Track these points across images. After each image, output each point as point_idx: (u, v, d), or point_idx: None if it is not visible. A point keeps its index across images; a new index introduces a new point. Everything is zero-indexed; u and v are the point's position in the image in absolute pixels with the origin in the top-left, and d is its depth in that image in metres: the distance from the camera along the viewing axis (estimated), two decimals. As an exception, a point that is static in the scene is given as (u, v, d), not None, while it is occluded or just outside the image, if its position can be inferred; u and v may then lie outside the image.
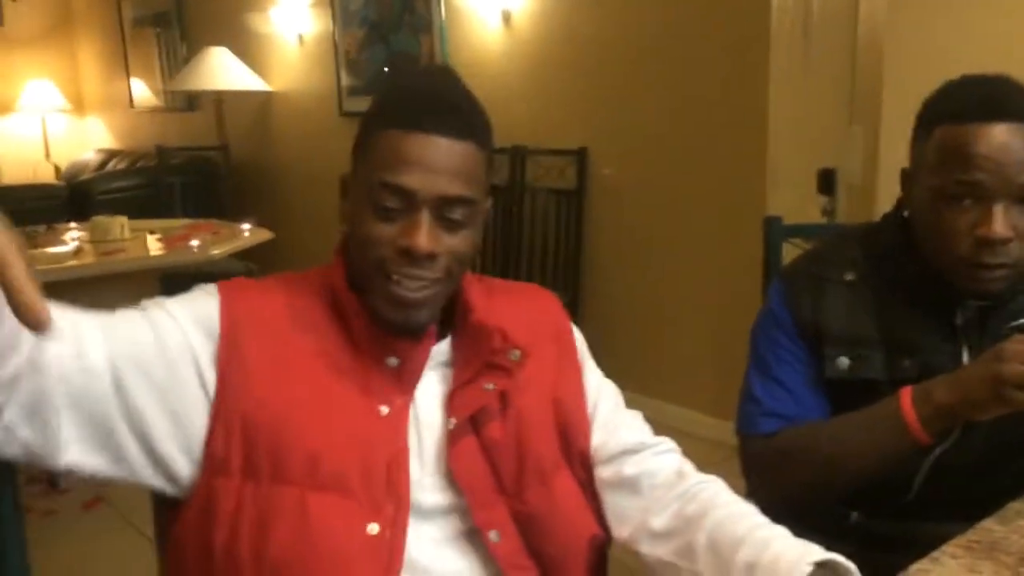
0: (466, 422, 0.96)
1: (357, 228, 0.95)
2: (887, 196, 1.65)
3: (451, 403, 0.97)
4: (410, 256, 0.91)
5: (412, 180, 0.90)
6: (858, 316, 1.22)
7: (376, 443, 0.93)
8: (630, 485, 1.02)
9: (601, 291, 3.56)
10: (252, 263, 4.02)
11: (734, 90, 2.94)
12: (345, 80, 4.60)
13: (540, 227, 3.68)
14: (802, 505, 1.25)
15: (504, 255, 3.81)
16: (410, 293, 0.92)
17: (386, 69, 4.34)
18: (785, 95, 2.59)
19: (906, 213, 1.22)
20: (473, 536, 0.97)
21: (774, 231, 1.51)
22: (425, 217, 0.91)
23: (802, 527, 1.24)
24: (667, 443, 1.08)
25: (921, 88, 1.61)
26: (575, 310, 3.56)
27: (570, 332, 1.11)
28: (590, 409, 1.07)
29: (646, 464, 1.03)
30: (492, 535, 0.95)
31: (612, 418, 1.08)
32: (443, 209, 0.92)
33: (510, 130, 3.77)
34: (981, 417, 1.05)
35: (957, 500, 1.12)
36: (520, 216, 3.75)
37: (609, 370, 3.95)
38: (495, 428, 0.98)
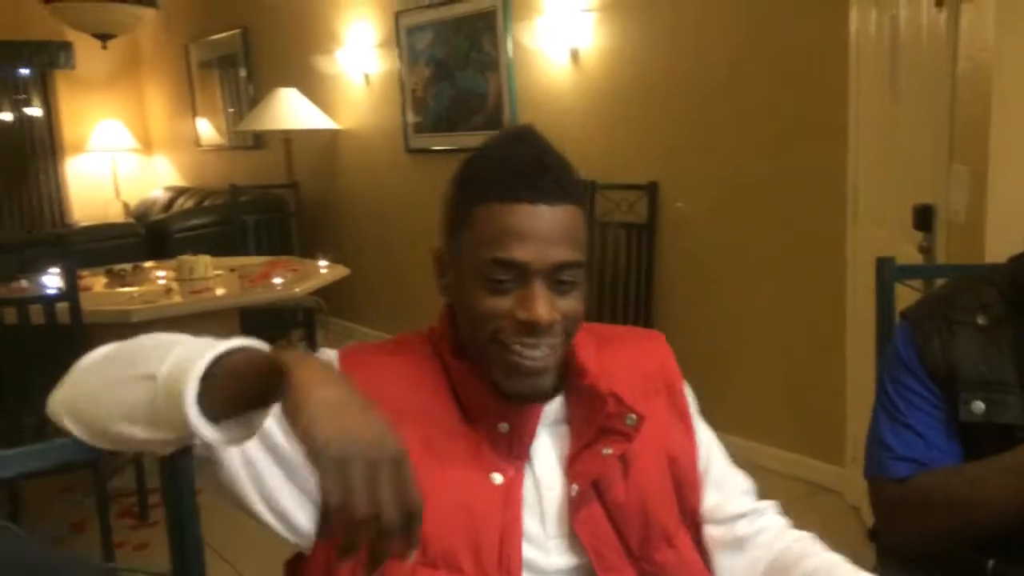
0: (588, 487, 0.97)
1: (468, 304, 0.95)
2: (997, 236, 1.64)
3: (571, 469, 0.97)
4: (530, 328, 0.91)
5: (524, 253, 0.90)
6: (993, 359, 1.21)
7: (488, 515, 0.93)
8: (739, 544, 1.05)
9: (673, 324, 3.54)
10: (320, 297, 4.10)
11: (809, 123, 2.94)
12: (411, 118, 4.68)
13: (611, 261, 3.69)
14: (938, 551, 1.24)
15: (574, 289, 3.82)
16: (532, 363, 0.93)
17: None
18: (869, 127, 2.58)
19: None
20: None
21: (887, 272, 1.50)
22: (540, 287, 0.91)
23: (927, 571, 1.23)
24: (775, 506, 1.11)
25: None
26: (647, 344, 3.55)
27: (681, 385, 1.11)
28: (702, 466, 1.08)
29: (756, 524, 1.06)
30: None
31: (725, 478, 1.09)
32: (555, 276, 0.92)
33: (580, 165, 3.69)
34: None
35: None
36: (591, 250, 3.76)
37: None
38: (618, 493, 0.98)
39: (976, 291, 1.27)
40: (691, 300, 3.48)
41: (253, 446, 0.91)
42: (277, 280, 3.09)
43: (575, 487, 0.96)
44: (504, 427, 0.96)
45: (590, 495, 0.97)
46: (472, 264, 0.94)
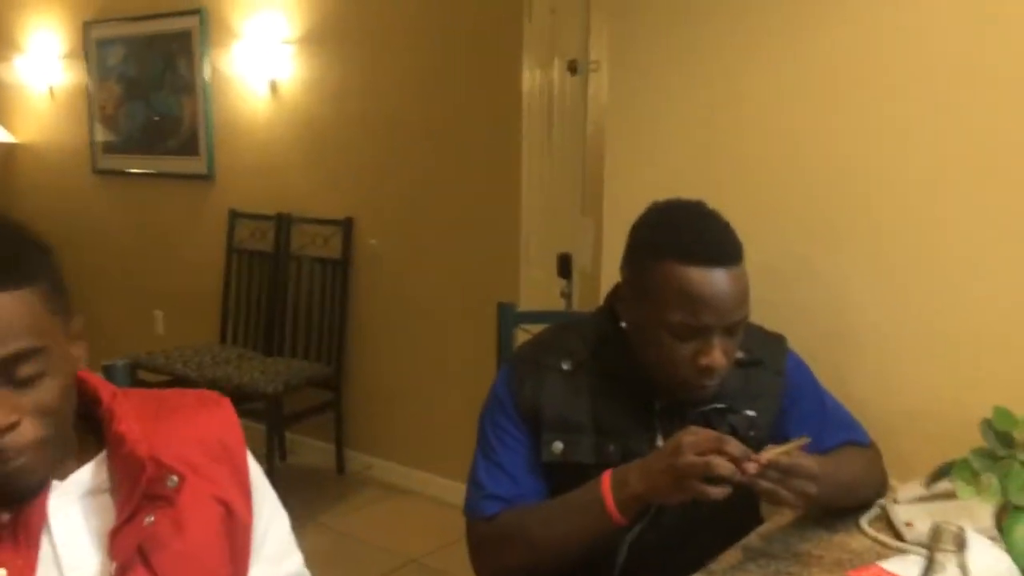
0: (132, 560, 0.91)
1: None
2: (611, 285, 1.80)
3: (112, 545, 0.91)
4: None
5: None
6: (572, 403, 1.31)
7: None
8: None
9: (366, 362, 3.55)
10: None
11: (491, 171, 3.08)
12: (101, 135, 4.34)
13: (305, 296, 3.63)
14: None
15: (268, 324, 3.72)
16: (8, 467, 0.85)
17: None
18: (534, 180, 2.75)
19: (626, 325, 1.31)
20: None
21: (505, 317, 1.60)
22: None
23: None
24: None
25: (636, 186, 1.79)
26: (339, 381, 3.53)
27: (243, 454, 1.07)
28: (257, 538, 1.05)
29: None
30: None
31: (277, 555, 1.07)
32: (7, 373, 0.84)
33: (277, 198, 3.72)
34: (668, 503, 1.16)
35: (657, 574, 1.22)
36: (285, 285, 3.69)
37: (375, 441, 3.91)
38: (167, 560, 0.93)
39: (566, 338, 1.38)
40: (384, 337, 3.51)
41: None
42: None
43: (115, 564, 0.90)
44: (4, 518, 0.88)
45: (136, 567, 0.91)
46: None
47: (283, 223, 3.70)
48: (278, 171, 3.73)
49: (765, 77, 1.67)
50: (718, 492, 1.10)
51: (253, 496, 1.05)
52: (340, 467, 3.58)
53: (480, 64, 3.08)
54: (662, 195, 1.34)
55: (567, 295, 2.11)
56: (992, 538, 1.00)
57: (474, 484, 1.33)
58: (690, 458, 1.10)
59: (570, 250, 2.12)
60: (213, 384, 3.35)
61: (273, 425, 3.30)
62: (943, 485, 1.20)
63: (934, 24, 1.48)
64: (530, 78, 2.75)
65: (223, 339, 3.86)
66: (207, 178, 3.97)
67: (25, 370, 0.84)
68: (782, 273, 1.63)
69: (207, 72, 3.87)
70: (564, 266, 2.10)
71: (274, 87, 3.66)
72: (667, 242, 1.23)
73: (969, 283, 1.49)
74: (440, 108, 3.22)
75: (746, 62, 1.68)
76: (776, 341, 1.41)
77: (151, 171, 4.18)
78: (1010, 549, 0.62)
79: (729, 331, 1.22)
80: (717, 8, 1.69)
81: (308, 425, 3.59)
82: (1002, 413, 0.71)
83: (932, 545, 0.72)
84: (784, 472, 1.13)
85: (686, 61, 1.74)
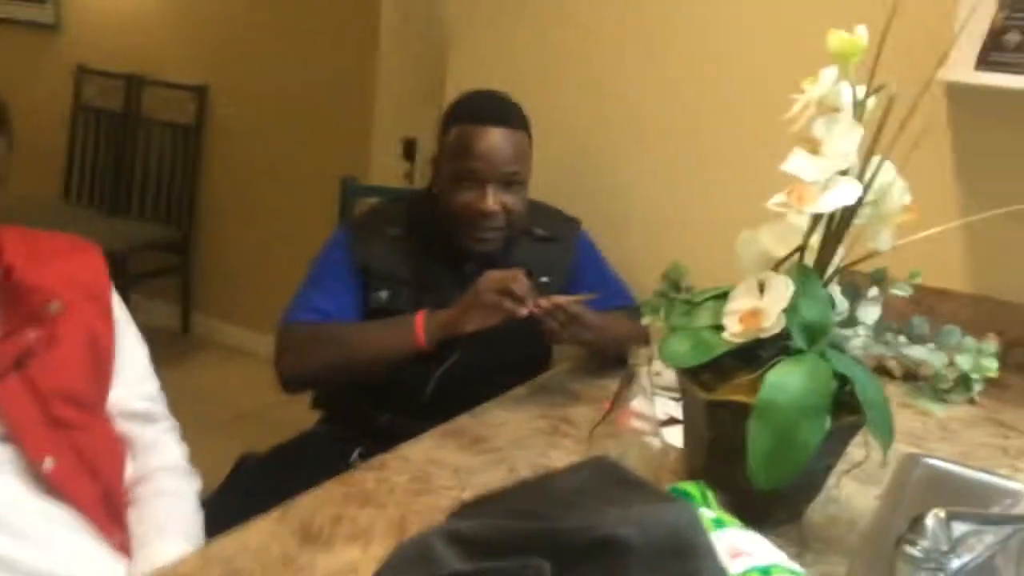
0: (10, 367, 1.08)
1: None
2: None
3: None
4: None
5: None
6: (398, 262, 1.56)
7: None
8: (136, 448, 1.23)
9: (217, 228, 3.64)
10: None
11: (350, 51, 3.17)
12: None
13: (155, 161, 3.65)
14: (325, 385, 1.57)
15: (115, 186, 3.72)
16: None
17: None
18: (394, 63, 2.89)
19: (435, 190, 1.56)
20: (25, 466, 1.08)
21: (348, 190, 1.81)
22: None
23: (345, 427, 1.56)
24: (173, 421, 1.31)
25: (478, 78, 1.99)
26: (188, 246, 3.61)
27: (110, 294, 1.26)
28: (119, 363, 1.23)
29: (158, 438, 1.25)
30: (47, 463, 1.08)
31: (136, 379, 1.26)
32: None
33: (126, 56, 3.65)
34: (471, 327, 1.40)
35: (460, 404, 1.49)
36: (134, 148, 3.68)
37: (222, 305, 4.01)
38: (39, 368, 1.10)
39: (395, 209, 1.63)
40: (235, 205, 3.59)
41: None
42: None
43: None
44: None
45: (10, 373, 1.08)
46: None
47: (133, 83, 3.66)
48: (128, 26, 3.66)
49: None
50: (520, 309, 1.35)
51: (116, 329, 1.25)
52: (185, 327, 3.71)
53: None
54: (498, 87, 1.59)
55: (410, 175, 2.32)
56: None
57: (298, 296, 1.56)
58: (490, 278, 1.37)
59: (416, 135, 2.31)
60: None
61: (115, 285, 3.36)
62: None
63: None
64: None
65: (66, 195, 3.82)
66: (53, 28, 3.83)
67: None
68: (576, 168, 1.92)
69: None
70: (409, 150, 2.30)
71: (128, -63, 3.56)
72: (459, 110, 1.53)
73: (715, 179, 1.82)
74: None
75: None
76: (571, 223, 1.70)
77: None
78: (661, 356, 0.92)
79: (505, 184, 1.49)
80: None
81: (154, 287, 3.67)
82: (676, 267, 1.00)
83: (631, 362, 1.01)
84: (570, 318, 1.41)
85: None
